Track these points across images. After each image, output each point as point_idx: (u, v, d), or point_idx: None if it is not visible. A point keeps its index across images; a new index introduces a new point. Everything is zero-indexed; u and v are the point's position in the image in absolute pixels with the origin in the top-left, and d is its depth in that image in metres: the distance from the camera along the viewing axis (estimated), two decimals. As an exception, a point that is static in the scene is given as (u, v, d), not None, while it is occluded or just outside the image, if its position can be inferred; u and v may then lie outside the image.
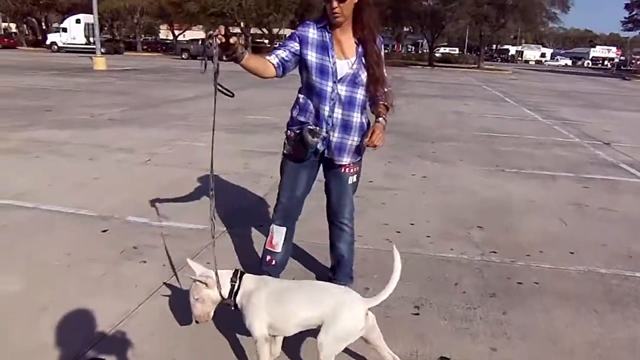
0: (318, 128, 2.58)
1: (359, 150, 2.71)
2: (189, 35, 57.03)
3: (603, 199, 5.41)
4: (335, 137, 2.63)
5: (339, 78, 2.55)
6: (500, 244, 3.96)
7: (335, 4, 2.42)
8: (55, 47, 44.65)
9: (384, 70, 2.64)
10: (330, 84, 2.55)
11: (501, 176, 6.18)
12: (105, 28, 53.83)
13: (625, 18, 54.55)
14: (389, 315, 2.83)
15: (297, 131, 2.61)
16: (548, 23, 48.79)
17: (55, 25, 51.33)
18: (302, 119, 2.63)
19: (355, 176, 2.79)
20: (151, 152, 6.53)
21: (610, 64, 75.76)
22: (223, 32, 2.08)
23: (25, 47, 50.91)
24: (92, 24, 28.34)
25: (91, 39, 38.09)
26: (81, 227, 3.95)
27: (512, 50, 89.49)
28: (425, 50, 63.83)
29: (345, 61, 2.56)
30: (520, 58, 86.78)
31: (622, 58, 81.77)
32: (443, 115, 12.00)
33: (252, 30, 51.12)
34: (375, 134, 2.49)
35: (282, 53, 2.51)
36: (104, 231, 3.88)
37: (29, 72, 19.85)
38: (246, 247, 3.70)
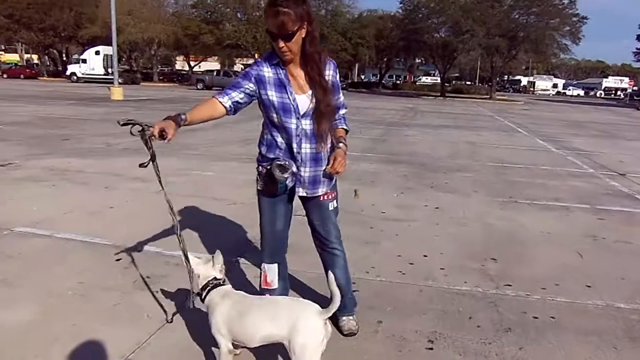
0: (287, 163, 2.54)
1: (331, 177, 2.69)
2: (205, 66, 58.18)
3: (620, 230, 5.34)
4: (307, 171, 2.60)
5: (302, 114, 2.51)
6: (515, 277, 3.90)
7: (281, 43, 2.37)
8: (75, 77, 45.83)
9: (337, 97, 2.63)
10: (294, 121, 2.51)
11: (515, 207, 6.13)
12: (124, 59, 55.17)
13: (637, 49, 54.78)
14: (403, 349, 2.80)
15: (268, 167, 2.56)
16: (559, 54, 49.02)
17: (75, 56, 52.73)
18: (271, 155, 2.58)
19: (335, 201, 2.77)
20: (165, 181, 6.56)
21: (623, 94, 75.61)
22: (156, 134, 2.41)
23: (46, 77, 52.23)
24: (111, 55, 29.04)
25: (109, 70, 38.98)
26: (95, 256, 3.98)
27: (524, 80, 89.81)
28: (437, 81, 64.33)
29: (304, 95, 2.51)
30: (532, 89, 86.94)
31: (635, 88, 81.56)
32: (456, 145, 12.01)
33: (266, 61, 51.94)
34: (337, 161, 2.49)
35: (237, 95, 2.50)
36: (118, 260, 3.90)
37: (48, 102, 20.31)
38: (251, 278, 3.67)
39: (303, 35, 2.41)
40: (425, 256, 4.28)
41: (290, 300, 2.35)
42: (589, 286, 3.79)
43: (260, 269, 2.87)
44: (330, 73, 2.55)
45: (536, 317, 3.25)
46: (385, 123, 17.16)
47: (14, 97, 22.07)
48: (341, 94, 2.69)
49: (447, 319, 3.18)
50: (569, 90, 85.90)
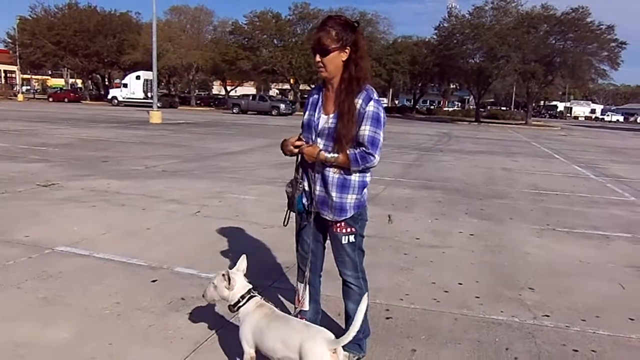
0: (300, 180, 2.68)
1: (342, 208, 2.62)
2: (241, 90, 59.31)
3: (664, 262, 5.14)
4: (317, 190, 2.66)
5: (317, 132, 2.60)
6: (553, 308, 3.79)
7: (317, 57, 2.51)
8: (116, 101, 47.42)
9: (362, 127, 2.49)
10: (312, 137, 2.63)
11: (553, 236, 5.99)
12: (163, 84, 56.72)
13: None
14: (437, 379, 2.74)
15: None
16: (597, 80, 48.09)
17: (117, 81, 54.59)
18: (298, 172, 2.73)
19: (351, 236, 2.69)
20: (201, 204, 6.69)
21: (667, 121, 73.37)
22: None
23: (88, 101, 54.11)
24: (151, 80, 29.97)
25: (149, 94, 40.15)
26: (132, 277, 4.05)
27: (561, 106, 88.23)
28: (472, 107, 63.89)
29: (327, 116, 2.59)
30: (569, 114, 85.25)
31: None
32: (491, 171, 11.84)
33: (302, 87, 52.75)
34: (305, 148, 2.56)
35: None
36: (153, 281, 3.96)
37: (90, 125, 21.00)
38: (286, 302, 3.68)
39: (344, 59, 2.49)
40: (460, 284, 4.21)
41: (303, 325, 2.39)
42: (631, 319, 3.65)
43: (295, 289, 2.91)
44: (359, 102, 2.49)
45: (576, 350, 3.15)
46: (419, 148, 17.10)
47: (59, 120, 22.92)
48: (369, 129, 2.49)
49: (483, 349, 3.11)
50: (607, 115, 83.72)
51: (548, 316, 3.63)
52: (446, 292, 4.02)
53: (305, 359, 2.16)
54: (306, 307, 2.84)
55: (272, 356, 2.33)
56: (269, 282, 4.04)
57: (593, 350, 3.16)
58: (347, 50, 2.48)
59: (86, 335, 3.06)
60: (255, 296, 2.50)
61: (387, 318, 3.48)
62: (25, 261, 4.27)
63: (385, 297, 3.81)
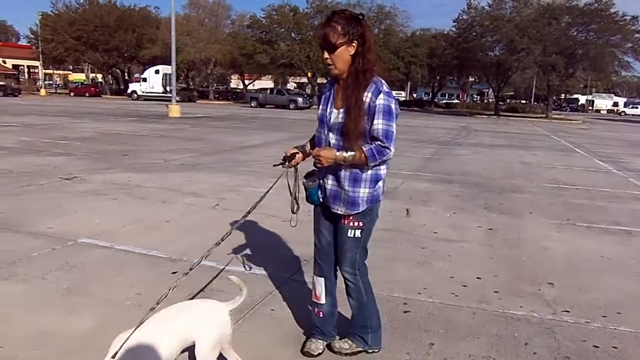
0: (317, 172, 2.69)
1: (354, 202, 2.61)
2: (259, 84, 59.46)
3: (688, 258, 5.04)
4: (329, 184, 2.67)
5: (329, 127, 2.61)
6: (573, 303, 3.75)
7: (325, 54, 2.50)
8: (135, 95, 47.96)
9: (375, 121, 2.47)
10: (325, 132, 2.64)
11: (573, 230, 5.92)
12: (181, 78, 57.07)
13: None
14: (455, 373, 2.74)
15: None
16: (621, 72, 47.16)
17: (136, 75, 55.14)
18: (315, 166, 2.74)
19: (358, 231, 2.67)
20: (219, 197, 6.75)
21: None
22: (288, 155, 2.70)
23: (108, 95, 54.83)
24: (170, 74, 30.20)
25: (168, 88, 40.48)
26: (152, 268, 4.12)
27: (582, 99, 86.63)
28: (491, 100, 63.23)
29: (337, 110, 2.58)
30: (591, 107, 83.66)
31: None
32: (510, 165, 11.72)
33: (319, 80, 52.69)
34: (321, 152, 2.53)
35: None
36: (174, 273, 4.01)
37: (110, 119, 21.29)
38: (304, 295, 3.70)
39: (351, 53, 2.48)
40: (478, 278, 4.19)
41: (193, 303, 2.66)
42: (654, 316, 3.61)
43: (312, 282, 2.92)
44: (369, 96, 2.47)
45: (597, 347, 3.12)
46: (437, 142, 16.98)
47: (80, 114, 23.25)
48: (382, 122, 2.47)
49: (502, 344, 3.09)
50: (631, 108, 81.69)
51: (568, 312, 3.60)
52: (464, 286, 4.00)
53: (213, 327, 2.30)
54: (322, 300, 2.85)
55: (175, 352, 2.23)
56: (287, 274, 4.07)
57: (614, 347, 3.12)
58: (354, 44, 2.47)
59: (108, 325, 3.11)
60: (120, 336, 2.22)
61: (405, 312, 3.48)
62: (49, 252, 4.36)
63: (403, 290, 3.81)
